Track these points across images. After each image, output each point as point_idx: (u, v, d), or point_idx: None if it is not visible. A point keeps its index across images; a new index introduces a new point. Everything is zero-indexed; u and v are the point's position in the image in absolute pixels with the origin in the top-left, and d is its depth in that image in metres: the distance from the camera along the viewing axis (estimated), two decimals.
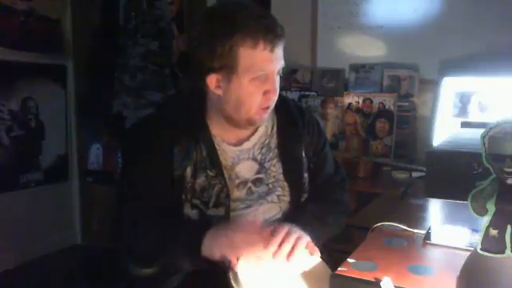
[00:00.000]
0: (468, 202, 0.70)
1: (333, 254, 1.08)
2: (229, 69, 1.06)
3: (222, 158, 1.16)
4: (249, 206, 1.18)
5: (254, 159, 1.20)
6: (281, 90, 1.16)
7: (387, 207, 1.50)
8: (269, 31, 1.05)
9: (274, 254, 1.00)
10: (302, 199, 1.24)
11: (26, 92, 3.02)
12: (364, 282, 0.79)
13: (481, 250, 0.68)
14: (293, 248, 1.01)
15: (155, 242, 1.10)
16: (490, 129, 0.67)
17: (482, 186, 0.69)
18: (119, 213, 1.18)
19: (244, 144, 1.20)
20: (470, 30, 2.22)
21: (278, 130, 1.24)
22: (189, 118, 1.16)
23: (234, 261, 0.97)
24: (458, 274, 0.74)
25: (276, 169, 1.22)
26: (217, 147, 1.16)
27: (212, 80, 1.09)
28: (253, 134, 1.21)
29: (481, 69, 2.02)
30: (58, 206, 3.29)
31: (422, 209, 1.31)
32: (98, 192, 3.30)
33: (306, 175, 1.25)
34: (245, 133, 1.20)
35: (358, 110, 2.43)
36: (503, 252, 0.66)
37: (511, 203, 0.66)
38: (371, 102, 2.40)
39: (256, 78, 1.07)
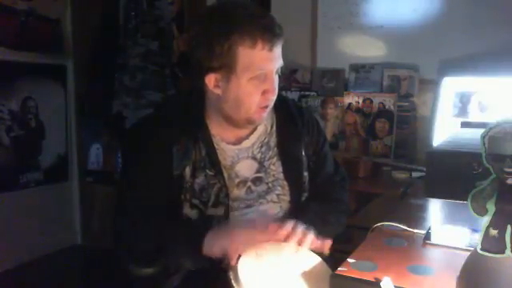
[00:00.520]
0: (468, 202, 0.70)
1: (333, 254, 1.08)
2: (227, 68, 1.06)
3: (221, 158, 1.16)
4: (248, 206, 1.18)
5: (254, 158, 1.20)
6: (281, 89, 1.16)
7: (387, 207, 1.50)
8: (267, 30, 1.05)
9: (279, 248, 1.00)
10: (302, 198, 1.24)
11: (26, 92, 3.02)
12: (364, 282, 0.79)
13: (481, 250, 0.68)
14: (300, 241, 1.02)
15: (156, 242, 1.10)
16: (490, 129, 0.67)
17: (481, 186, 0.69)
18: (119, 213, 1.19)
19: (243, 143, 1.20)
20: (470, 30, 2.22)
21: (278, 128, 1.24)
22: (188, 118, 1.16)
23: (233, 257, 0.97)
24: (458, 274, 0.74)
25: (276, 168, 1.22)
26: (216, 146, 1.16)
27: (211, 79, 1.09)
28: (252, 132, 1.21)
29: (481, 69, 2.02)
30: (58, 206, 3.29)
31: (422, 209, 1.31)
32: (98, 192, 3.30)
33: (305, 174, 1.25)
34: (244, 132, 1.20)
35: (358, 110, 2.43)
36: (503, 252, 0.66)
37: (511, 203, 0.66)
38: (371, 101, 2.40)
39: (255, 77, 1.07)
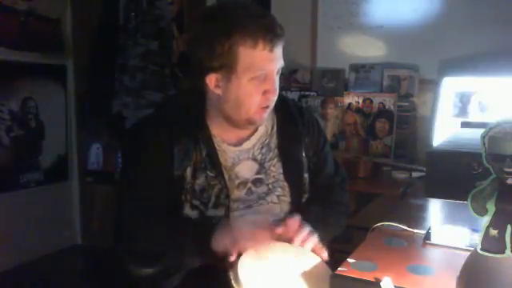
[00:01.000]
0: (468, 202, 0.70)
1: (333, 254, 1.08)
2: (228, 68, 1.06)
3: (221, 159, 1.16)
4: (249, 207, 1.18)
5: (254, 159, 1.20)
6: (281, 90, 1.16)
7: (387, 207, 1.50)
8: (268, 31, 1.05)
9: (293, 236, 1.01)
10: (303, 200, 1.24)
11: (26, 92, 3.02)
12: (364, 282, 0.79)
13: (481, 250, 0.68)
14: (304, 240, 1.02)
15: (158, 241, 1.10)
16: (490, 129, 0.67)
17: (482, 186, 0.69)
18: (119, 213, 1.18)
19: (244, 144, 1.19)
20: (470, 30, 2.22)
21: (278, 129, 1.24)
22: (188, 118, 1.16)
23: (233, 253, 0.97)
24: (457, 274, 0.74)
25: (276, 169, 1.22)
26: (217, 147, 1.16)
27: (211, 79, 1.09)
28: (253, 133, 1.21)
29: (481, 69, 2.02)
30: (58, 206, 3.29)
31: (422, 209, 1.31)
32: (97, 192, 3.30)
33: (306, 175, 1.25)
34: (245, 133, 1.20)
35: (358, 110, 2.43)
36: (503, 252, 0.66)
37: (511, 203, 0.66)
38: (371, 101, 2.40)
39: (255, 77, 1.07)
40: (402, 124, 2.36)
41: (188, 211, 1.14)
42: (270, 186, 1.21)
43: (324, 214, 1.21)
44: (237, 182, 1.18)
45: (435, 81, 2.16)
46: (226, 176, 1.16)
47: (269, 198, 1.21)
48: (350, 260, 0.87)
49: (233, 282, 0.94)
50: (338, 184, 1.33)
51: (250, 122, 1.14)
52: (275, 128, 1.24)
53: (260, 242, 1.01)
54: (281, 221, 1.09)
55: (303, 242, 1.04)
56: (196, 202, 1.14)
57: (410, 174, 2.13)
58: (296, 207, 1.22)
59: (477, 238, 0.70)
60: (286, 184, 1.22)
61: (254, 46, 1.04)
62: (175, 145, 1.12)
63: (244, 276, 0.93)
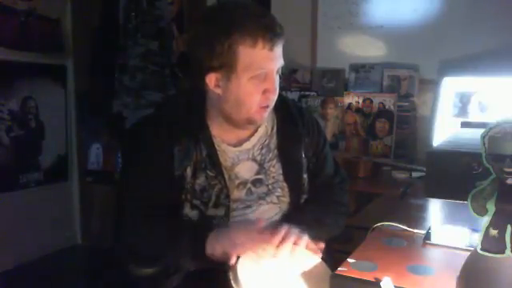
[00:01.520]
0: (468, 202, 0.70)
1: (333, 254, 1.08)
2: (228, 67, 1.06)
3: (221, 159, 1.16)
4: (248, 207, 1.18)
5: (254, 160, 1.20)
6: (281, 90, 1.16)
7: (387, 207, 1.50)
8: (268, 30, 1.05)
9: (275, 252, 1.00)
10: (302, 200, 1.24)
11: (26, 92, 3.02)
12: (364, 282, 0.79)
13: (481, 250, 0.68)
14: (294, 245, 1.01)
15: (157, 242, 1.10)
16: (490, 129, 0.67)
17: (482, 185, 0.69)
18: (119, 213, 1.19)
19: (244, 145, 1.19)
20: (469, 30, 2.22)
21: (278, 130, 1.24)
22: (189, 118, 1.16)
23: (233, 257, 0.97)
24: (457, 274, 0.74)
25: (275, 169, 1.22)
26: (217, 148, 1.16)
27: (211, 79, 1.09)
28: (253, 134, 1.21)
29: (481, 69, 2.02)
30: (58, 206, 3.29)
31: (422, 209, 1.31)
32: (97, 192, 3.30)
33: (305, 176, 1.25)
34: (245, 133, 1.20)
35: (358, 110, 2.43)
36: (503, 252, 0.66)
37: (511, 203, 0.66)
38: (371, 101, 2.40)
39: (255, 76, 1.07)
40: (402, 124, 2.36)
41: (188, 211, 1.14)
42: (270, 186, 1.21)
43: (321, 213, 1.20)
44: (237, 182, 1.18)
45: (435, 81, 2.16)
46: (226, 176, 1.16)
47: (268, 199, 1.21)
48: (349, 260, 0.87)
49: (232, 282, 0.94)
50: (338, 184, 1.33)
51: (250, 121, 1.14)
52: (275, 128, 1.24)
53: (257, 244, 1.01)
54: (273, 226, 1.08)
55: (294, 244, 1.03)
56: (196, 202, 1.14)
57: (410, 174, 2.13)
58: (295, 208, 1.22)
59: (477, 238, 0.70)
60: (285, 184, 1.22)
61: (253, 44, 1.04)
62: (175, 145, 1.12)
63: (244, 276, 0.93)
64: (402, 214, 1.19)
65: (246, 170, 1.19)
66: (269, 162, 1.21)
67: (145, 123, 1.23)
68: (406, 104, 2.36)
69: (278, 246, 1.01)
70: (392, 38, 2.41)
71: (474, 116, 1.93)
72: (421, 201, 1.38)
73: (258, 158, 1.21)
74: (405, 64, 2.38)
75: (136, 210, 1.14)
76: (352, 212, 1.55)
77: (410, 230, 1.05)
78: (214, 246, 1.03)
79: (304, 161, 1.24)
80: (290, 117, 1.25)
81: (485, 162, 0.67)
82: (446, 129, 1.91)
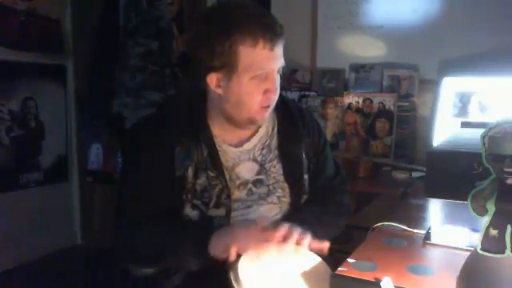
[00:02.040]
0: (468, 202, 0.70)
1: (333, 254, 1.08)
2: (229, 67, 1.06)
3: (222, 159, 1.16)
4: (249, 207, 1.18)
5: (255, 160, 1.20)
6: (281, 90, 1.16)
7: (387, 207, 1.50)
8: (268, 30, 1.05)
9: (278, 249, 1.00)
10: (302, 200, 1.24)
11: (26, 92, 3.02)
12: (364, 282, 0.79)
13: (481, 250, 0.68)
14: (296, 244, 1.01)
15: (158, 242, 1.10)
16: (490, 129, 0.67)
17: (482, 185, 0.69)
18: (119, 213, 1.19)
19: (245, 145, 1.19)
20: (470, 30, 2.22)
21: (279, 130, 1.24)
22: (189, 118, 1.16)
23: (233, 254, 0.97)
24: (457, 274, 0.74)
25: (276, 170, 1.22)
26: (218, 148, 1.16)
27: (212, 79, 1.09)
28: (253, 134, 1.21)
29: (481, 69, 2.02)
30: (58, 206, 3.29)
31: (422, 209, 1.32)
32: (97, 192, 3.30)
33: (306, 176, 1.25)
34: (246, 133, 1.20)
35: (358, 110, 2.43)
36: (503, 252, 0.66)
37: (511, 203, 0.66)
38: (371, 101, 2.40)
39: (256, 76, 1.07)
40: (402, 124, 2.36)
41: (189, 211, 1.14)
42: (271, 186, 1.21)
43: (321, 213, 1.20)
44: (237, 182, 1.18)
45: (435, 81, 2.16)
46: (227, 176, 1.16)
47: (269, 199, 1.21)
48: (349, 260, 0.87)
49: (233, 282, 0.94)
50: (338, 185, 1.33)
51: (251, 121, 1.14)
52: (276, 129, 1.24)
53: (258, 243, 1.01)
54: (274, 225, 1.08)
55: (297, 243, 1.03)
56: (197, 202, 1.14)
57: (410, 174, 2.13)
58: (295, 208, 1.22)
59: (477, 238, 0.70)
60: (286, 185, 1.22)
61: (254, 44, 1.04)
62: (176, 145, 1.12)
63: (244, 276, 0.93)
64: (401, 214, 1.19)
65: (246, 171, 1.19)
66: (269, 162, 1.21)
67: (145, 123, 1.23)
68: (406, 104, 2.36)
69: (280, 245, 1.01)
70: (392, 38, 2.41)
71: (474, 116, 1.93)
72: (421, 201, 1.38)
73: (259, 158, 1.21)
74: (405, 64, 2.38)
75: (136, 210, 1.13)
76: (352, 212, 1.55)
77: (410, 230, 1.05)
78: (217, 246, 1.03)
79: (305, 161, 1.24)
80: (291, 117, 1.25)
81: (485, 162, 0.67)
82: (446, 129, 1.92)
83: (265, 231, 1.03)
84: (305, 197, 1.25)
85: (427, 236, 1.00)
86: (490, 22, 2.17)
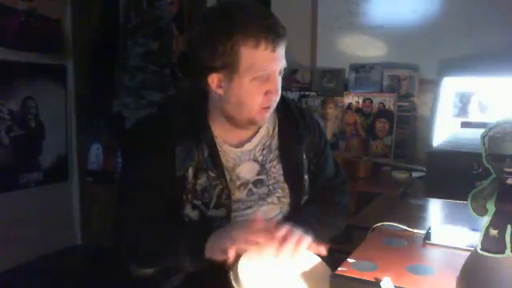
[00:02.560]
0: (468, 202, 0.70)
1: (333, 254, 1.08)
2: (230, 68, 1.06)
3: (223, 159, 1.16)
4: (249, 207, 1.18)
5: (255, 160, 1.20)
6: (281, 90, 1.15)
7: (387, 207, 1.49)
8: (270, 31, 1.04)
9: (277, 250, 0.99)
10: (302, 201, 1.24)
11: (26, 92, 3.02)
12: (364, 282, 0.79)
13: (481, 250, 0.68)
14: (296, 245, 1.01)
15: (156, 242, 1.09)
16: (490, 129, 0.67)
17: (482, 185, 0.69)
18: (119, 213, 1.18)
19: (245, 145, 1.19)
20: (469, 30, 2.22)
21: (279, 131, 1.23)
22: (190, 118, 1.16)
23: (231, 254, 0.97)
24: (457, 274, 0.74)
25: (276, 170, 1.22)
26: (218, 148, 1.16)
27: (213, 79, 1.09)
28: (254, 135, 1.20)
29: (481, 69, 2.02)
30: (58, 206, 3.29)
31: (422, 209, 1.31)
32: (97, 192, 3.30)
33: (306, 177, 1.24)
34: (246, 134, 1.20)
35: (358, 110, 2.43)
36: (503, 252, 0.66)
37: (511, 203, 0.66)
38: (371, 101, 2.40)
39: (257, 77, 1.07)
40: (402, 124, 2.36)
41: (189, 211, 1.13)
42: (271, 187, 1.21)
43: (321, 214, 1.20)
44: (238, 183, 1.17)
45: (435, 81, 2.16)
46: (228, 177, 1.16)
47: (269, 199, 1.20)
48: (349, 260, 0.87)
49: (233, 282, 0.94)
50: (338, 186, 1.33)
51: (252, 122, 1.13)
52: (276, 129, 1.24)
53: (256, 243, 1.01)
54: (275, 224, 1.07)
55: (297, 244, 1.03)
56: (197, 202, 1.14)
57: (410, 174, 2.13)
58: (295, 208, 1.22)
59: (477, 238, 0.70)
60: (286, 185, 1.22)
61: (255, 46, 1.04)
62: (177, 145, 1.12)
63: (244, 276, 0.93)
64: (402, 214, 1.19)
65: (247, 171, 1.19)
66: (270, 162, 1.21)
67: (145, 123, 1.23)
68: (406, 104, 2.36)
69: (279, 245, 1.01)
70: (392, 38, 2.41)
71: (474, 116, 1.93)
72: (421, 201, 1.38)
73: (260, 158, 1.21)
74: (405, 64, 2.38)
75: (136, 210, 1.13)
76: (352, 212, 1.55)
77: (410, 230, 1.05)
78: (214, 248, 1.02)
79: (305, 161, 1.24)
80: (292, 117, 1.25)
81: (485, 161, 0.67)
82: (446, 129, 1.92)
83: (264, 231, 1.03)
84: (305, 197, 1.25)
85: (427, 236, 1.00)
86: (489, 21, 2.17)
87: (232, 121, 1.14)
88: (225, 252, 0.98)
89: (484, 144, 0.67)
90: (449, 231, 0.99)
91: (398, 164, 2.25)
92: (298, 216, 1.15)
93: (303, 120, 1.26)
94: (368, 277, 0.79)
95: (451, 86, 2.02)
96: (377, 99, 2.39)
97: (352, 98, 2.44)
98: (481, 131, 0.67)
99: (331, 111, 2.48)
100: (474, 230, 0.96)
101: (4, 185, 2.90)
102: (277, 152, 1.22)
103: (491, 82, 1.96)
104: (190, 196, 1.13)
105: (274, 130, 1.23)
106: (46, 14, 3.10)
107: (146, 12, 3.13)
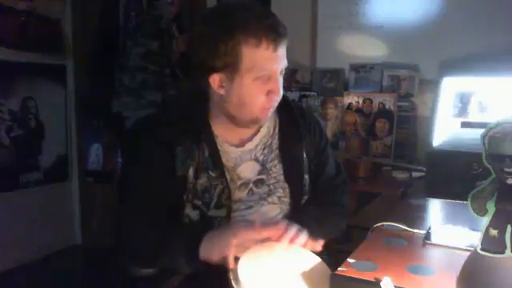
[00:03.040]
0: (468, 202, 0.70)
1: (333, 254, 1.08)
2: (232, 68, 1.06)
3: (224, 159, 1.16)
4: (249, 207, 1.18)
5: (256, 160, 1.20)
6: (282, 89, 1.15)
7: (387, 207, 1.50)
8: (271, 31, 1.04)
9: (272, 247, 0.99)
10: (303, 201, 1.24)
11: (26, 92, 3.02)
12: (364, 282, 0.79)
13: (481, 250, 0.68)
14: (291, 241, 1.01)
15: (154, 243, 1.09)
16: (490, 129, 0.67)
17: (482, 185, 0.69)
18: (119, 213, 1.18)
19: (246, 145, 1.19)
20: (470, 30, 2.21)
21: (280, 130, 1.23)
22: (191, 118, 1.15)
23: (231, 260, 0.97)
24: (457, 274, 0.74)
25: (277, 170, 1.22)
26: (219, 148, 1.16)
27: (215, 79, 1.09)
28: (255, 134, 1.20)
29: (481, 69, 2.02)
30: (58, 206, 3.29)
31: (422, 209, 1.31)
32: (98, 192, 3.30)
33: (306, 177, 1.24)
34: (247, 133, 1.20)
35: (358, 110, 2.43)
36: (503, 252, 0.66)
37: (511, 203, 0.66)
38: (371, 101, 2.40)
39: (259, 77, 1.06)
40: (402, 124, 2.36)
41: (189, 211, 1.13)
42: (271, 186, 1.21)
43: (321, 213, 1.20)
44: (239, 182, 1.17)
45: (435, 81, 2.15)
46: (228, 177, 1.15)
47: (269, 199, 1.20)
48: (349, 260, 0.87)
49: (233, 282, 0.94)
50: (339, 186, 1.33)
51: (254, 121, 1.13)
52: (277, 129, 1.24)
53: (254, 243, 1.00)
54: (273, 223, 1.08)
55: (291, 240, 1.03)
56: (198, 202, 1.14)
57: (410, 174, 2.13)
58: (295, 208, 1.22)
59: (477, 238, 0.70)
60: (286, 185, 1.22)
61: (257, 45, 1.04)
62: (177, 145, 1.12)
63: (244, 276, 0.93)
64: (401, 214, 1.19)
65: (248, 171, 1.19)
66: (271, 162, 1.21)
67: (145, 123, 1.23)
68: (406, 104, 2.36)
69: (275, 241, 1.01)
70: (392, 38, 2.41)
71: (474, 116, 1.92)
72: (421, 201, 1.38)
73: (260, 158, 1.20)
74: (405, 64, 2.38)
75: (136, 211, 1.13)
76: (352, 212, 1.54)
77: (410, 230, 1.05)
78: (210, 251, 1.02)
79: (305, 161, 1.24)
80: (292, 117, 1.25)
81: (485, 161, 0.67)
82: (446, 129, 1.91)
83: (261, 230, 1.03)
84: (305, 197, 1.24)
85: (427, 236, 1.00)
86: (490, 21, 2.17)
87: (233, 120, 1.14)
88: (224, 258, 0.97)
89: (484, 144, 0.67)
90: (449, 231, 0.99)
91: (398, 164, 2.25)
92: (298, 216, 1.15)
93: (304, 120, 1.26)
94: (368, 277, 0.80)
95: (451, 86, 2.02)
96: (377, 99, 2.39)
97: (352, 98, 2.44)
98: (481, 131, 0.67)
99: (331, 111, 2.48)
100: (473, 229, 0.96)
101: (4, 185, 2.90)
102: (277, 151, 1.22)
103: (491, 81, 1.96)
104: (190, 196, 1.13)
105: (274, 129, 1.23)
106: (46, 14, 3.10)
107: (146, 12, 3.13)
